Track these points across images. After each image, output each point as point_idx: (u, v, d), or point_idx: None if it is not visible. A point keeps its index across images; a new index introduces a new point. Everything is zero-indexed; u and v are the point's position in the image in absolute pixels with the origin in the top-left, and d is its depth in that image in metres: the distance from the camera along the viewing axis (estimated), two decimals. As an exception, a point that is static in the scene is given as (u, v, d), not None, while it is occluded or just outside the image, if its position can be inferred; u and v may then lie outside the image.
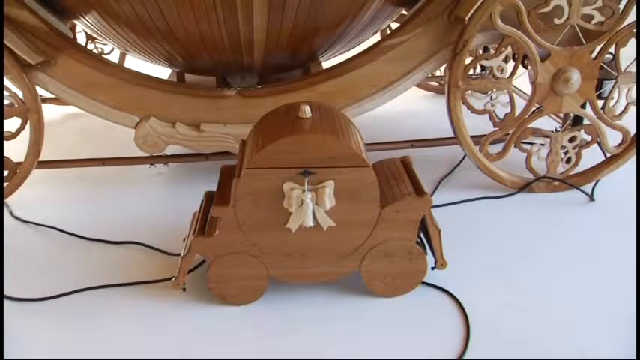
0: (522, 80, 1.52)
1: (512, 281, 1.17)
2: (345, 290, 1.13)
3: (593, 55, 1.42)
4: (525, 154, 1.52)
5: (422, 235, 1.14)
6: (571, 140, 1.51)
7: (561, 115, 1.57)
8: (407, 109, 2.18)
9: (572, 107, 1.46)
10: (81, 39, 2.20)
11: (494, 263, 1.23)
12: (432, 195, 1.49)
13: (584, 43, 1.40)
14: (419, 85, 2.29)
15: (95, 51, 2.28)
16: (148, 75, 1.53)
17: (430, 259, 1.11)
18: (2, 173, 1.44)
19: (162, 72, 1.78)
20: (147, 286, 1.16)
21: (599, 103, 1.47)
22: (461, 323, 1.04)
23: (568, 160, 1.53)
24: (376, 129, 1.87)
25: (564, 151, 1.52)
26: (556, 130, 1.51)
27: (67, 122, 2.14)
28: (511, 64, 1.48)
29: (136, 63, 1.84)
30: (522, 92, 1.83)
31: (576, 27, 1.37)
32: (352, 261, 1.08)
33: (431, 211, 1.08)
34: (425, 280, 1.12)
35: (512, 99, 1.46)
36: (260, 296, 1.10)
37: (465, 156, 1.56)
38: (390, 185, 1.12)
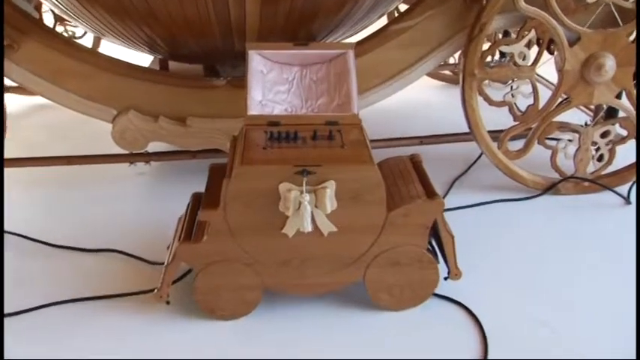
0: (548, 68, 1.52)
1: (534, 293, 1.18)
2: (347, 303, 1.14)
3: (631, 38, 1.41)
4: (550, 152, 1.52)
5: (433, 242, 1.15)
6: (604, 135, 1.51)
7: (592, 107, 1.59)
8: (417, 102, 2.20)
9: (605, 98, 1.46)
10: (48, 20, 2.22)
11: (514, 273, 1.24)
12: (444, 197, 1.51)
13: (621, 24, 1.39)
14: (430, 75, 2.31)
15: (65, 34, 2.30)
16: (126, 62, 1.54)
17: (442, 268, 1.13)
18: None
19: (143, 59, 1.79)
20: (126, 299, 1.17)
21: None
22: (477, 339, 1.06)
23: (600, 158, 1.53)
24: (382, 123, 1.88)
25: (596, 147, 1.52)
26: (586, 124, 1.51)
27: (34, 115, 2.15)
28: (534, 49, 1.48)
29: (112, 48, 1.85)
30: (547, 81, 1.84)
31: (611, 5, 1.37)
32: (355, 270, 1.09)
33: (443, 214, 1.10)
34: (437, 291, 1.13)
35: (535, 89, 1.47)
36: (252, 309, 1.12)
37: (481, 153, 1.57)
38: (397, 186, 1.13)
